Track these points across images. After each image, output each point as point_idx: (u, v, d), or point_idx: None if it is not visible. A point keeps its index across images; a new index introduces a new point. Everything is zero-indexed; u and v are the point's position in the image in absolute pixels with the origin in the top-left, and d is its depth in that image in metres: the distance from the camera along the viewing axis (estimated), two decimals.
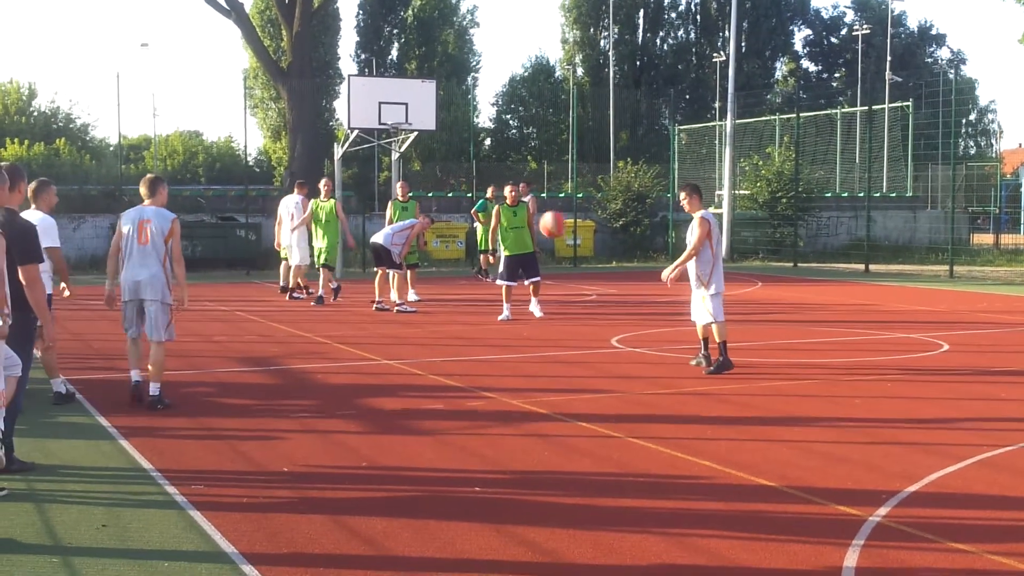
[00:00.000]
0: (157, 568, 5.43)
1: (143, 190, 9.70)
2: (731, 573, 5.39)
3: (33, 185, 9.36)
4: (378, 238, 17.59)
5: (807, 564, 5.50)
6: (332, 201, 19.03)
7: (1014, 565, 5.44)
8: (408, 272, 18.40)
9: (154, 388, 9.44)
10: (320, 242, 18.86)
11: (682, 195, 11.71)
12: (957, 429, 8.84)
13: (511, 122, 59.54)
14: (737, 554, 5.63)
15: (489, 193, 23.30)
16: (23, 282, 7.19)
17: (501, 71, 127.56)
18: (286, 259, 19.79)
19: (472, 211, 24.79)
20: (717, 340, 11.27)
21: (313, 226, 19.03)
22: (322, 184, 19.34)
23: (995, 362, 12.41)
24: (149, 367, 9.49)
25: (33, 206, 9.49)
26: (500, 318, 16.13)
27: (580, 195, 34.64)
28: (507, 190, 16.92)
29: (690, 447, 7.98)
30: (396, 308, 17.39)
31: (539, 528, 6.08)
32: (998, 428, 8.77)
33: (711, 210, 35.78)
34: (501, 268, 16.78)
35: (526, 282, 16.61)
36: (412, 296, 18.71)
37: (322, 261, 18.83)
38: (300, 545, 5.75)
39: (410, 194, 20.67)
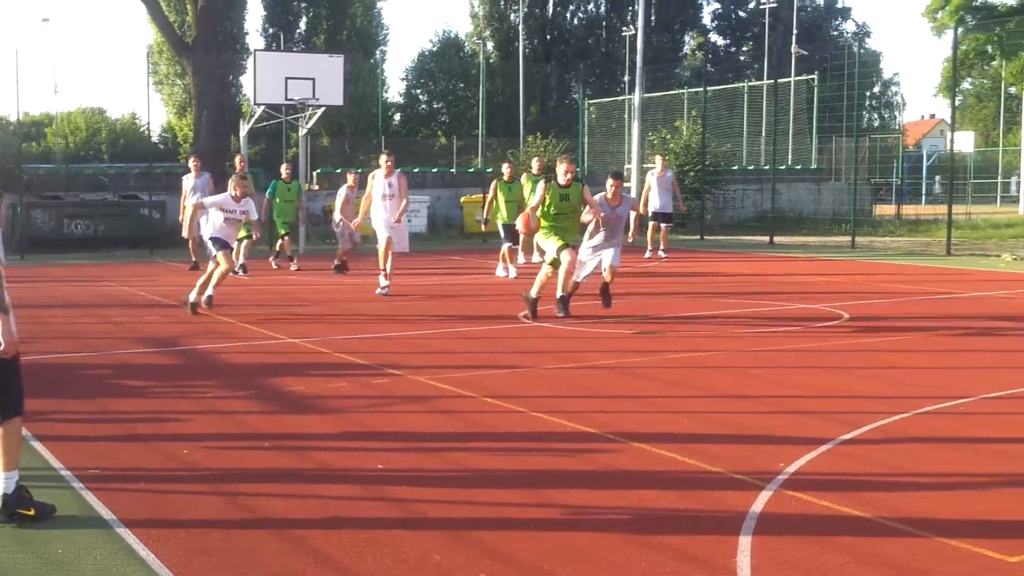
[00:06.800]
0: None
1: None
2: (628, 544, 5.40)
3: None
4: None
5: (706, 531, 5.55)
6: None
7: (903, 528, 5.56)
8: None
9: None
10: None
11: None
12: (855, 397, 9.02)
13: (421, 97, 59.19)
14: (638, 526, 5.66)
15: (284, 173, 21.80)
16: None
17: (410, 46, 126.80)
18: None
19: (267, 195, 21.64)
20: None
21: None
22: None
23: (893, 331, 12.68)
24: None
25: None
26: (499, 274, 19.35)
27: (489, 169, 34.60)
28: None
29: (594, 420, 8.02)
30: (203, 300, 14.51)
31: (440, 503, 6.07)
32: (895, 396, 8.96)
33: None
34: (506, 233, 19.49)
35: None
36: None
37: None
38: (192, 522, 5.66)
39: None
